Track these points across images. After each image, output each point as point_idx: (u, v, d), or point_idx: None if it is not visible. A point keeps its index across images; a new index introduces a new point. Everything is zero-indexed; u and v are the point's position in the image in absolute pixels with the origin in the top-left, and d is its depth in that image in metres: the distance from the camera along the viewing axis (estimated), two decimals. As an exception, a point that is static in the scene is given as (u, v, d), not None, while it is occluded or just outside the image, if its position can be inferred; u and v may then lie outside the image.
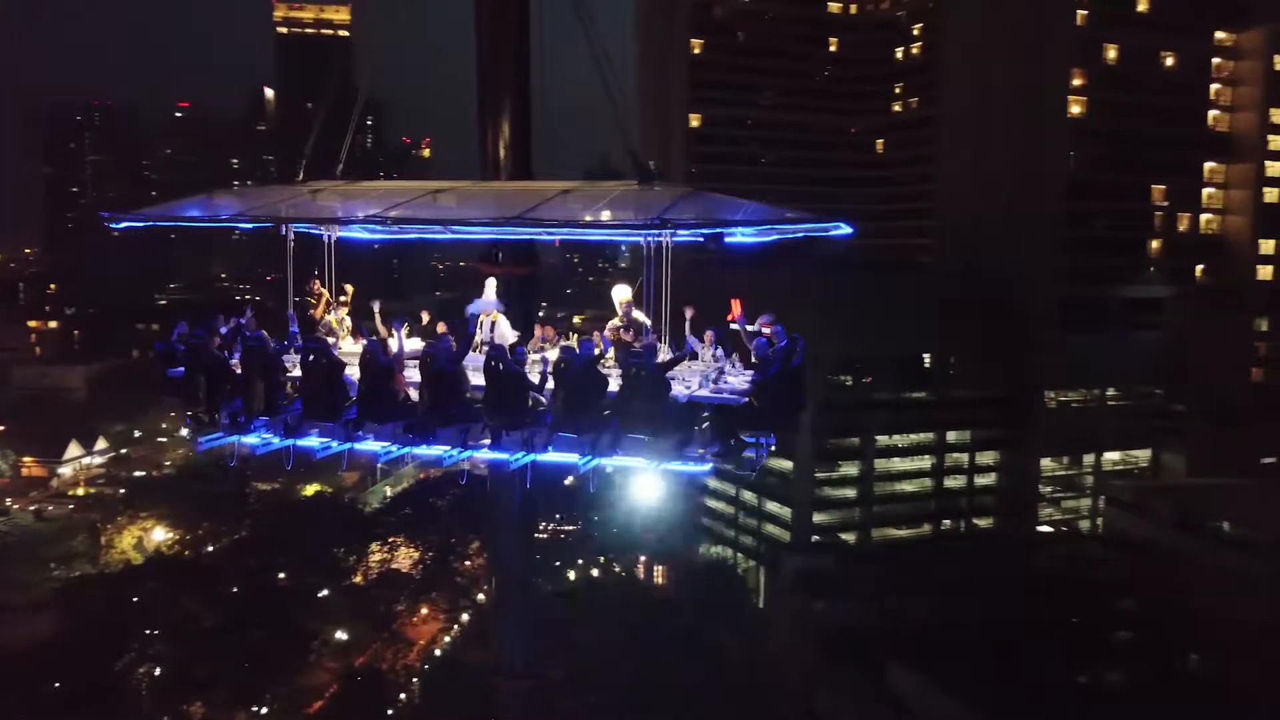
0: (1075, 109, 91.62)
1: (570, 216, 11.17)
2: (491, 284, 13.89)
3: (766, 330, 11.34)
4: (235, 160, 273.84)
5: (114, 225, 12.50)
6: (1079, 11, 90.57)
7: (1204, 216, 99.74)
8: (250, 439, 11.84)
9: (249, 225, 11.77)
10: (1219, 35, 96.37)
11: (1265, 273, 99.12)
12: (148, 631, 66.67)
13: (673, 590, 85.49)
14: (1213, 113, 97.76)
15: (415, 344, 12.56)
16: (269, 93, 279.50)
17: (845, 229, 10.95)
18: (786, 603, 75.82)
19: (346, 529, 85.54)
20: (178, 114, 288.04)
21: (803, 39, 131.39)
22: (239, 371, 11.76)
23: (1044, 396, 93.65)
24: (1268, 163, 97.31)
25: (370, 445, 11.63)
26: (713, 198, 11.43)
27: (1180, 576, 72.26)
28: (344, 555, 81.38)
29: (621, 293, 13.41)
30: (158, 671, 64.23)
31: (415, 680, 69.49)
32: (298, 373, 11.60)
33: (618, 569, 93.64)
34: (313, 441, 11.70)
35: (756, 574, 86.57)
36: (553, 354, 12.05)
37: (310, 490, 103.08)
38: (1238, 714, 56.46)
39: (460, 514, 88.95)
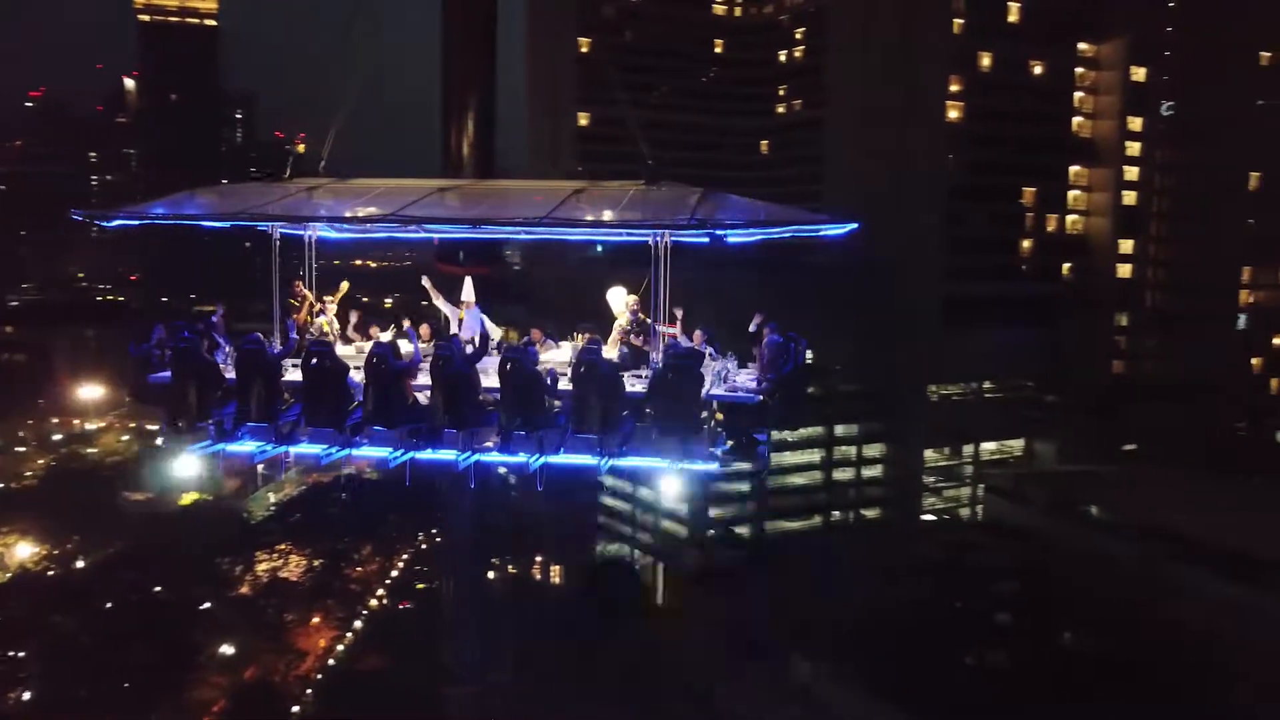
0: (953, 114, 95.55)
1: (600, 217, 11.10)
2: (469, 283, 13.58)
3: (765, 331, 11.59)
4: (94, 154, 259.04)
5: (106, 224, 11.79)
6: (955, 21, 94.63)
7: (1070, 218, 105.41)
8: (244, 446, 11.27)
9: (272, 224, 11.28)
10: (1082, 46, 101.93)
11: (1124, 271, 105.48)
12: (12, 654, 62.80)
13: (569, 590, 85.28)
14: (1077, 119, 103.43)
15: (404, 346, 12.28)
16: (129, 83, 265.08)
17: (852, 227, 11.29)
18: (686, 597, 76.72)
19: (230, 538, 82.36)
20: (28, 104, 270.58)
21: (689, 40, 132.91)
22: (230, 376, 11.23)
23: (926, 390, 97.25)
24: (1126, 167, 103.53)
25: (370, 451, 11.21)
26: (728, 197, 11.44)
27: (1054, 559, 76.35)
28: (228, 565, 78.33)
29: (618, 295, 13.27)
30: (27, 695, 60.49)
31: (310, 691, 67.34)
32: (292, 377, 11.17)
33: (512, 570, 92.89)
34: (313, 448, 11.25)
35: (654, 571, 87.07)
36: (560, 354, 11.94)
37: (188, 499, 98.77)
38: (1108, 685, 60.02)
39: (352, 519, 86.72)
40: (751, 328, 11.97)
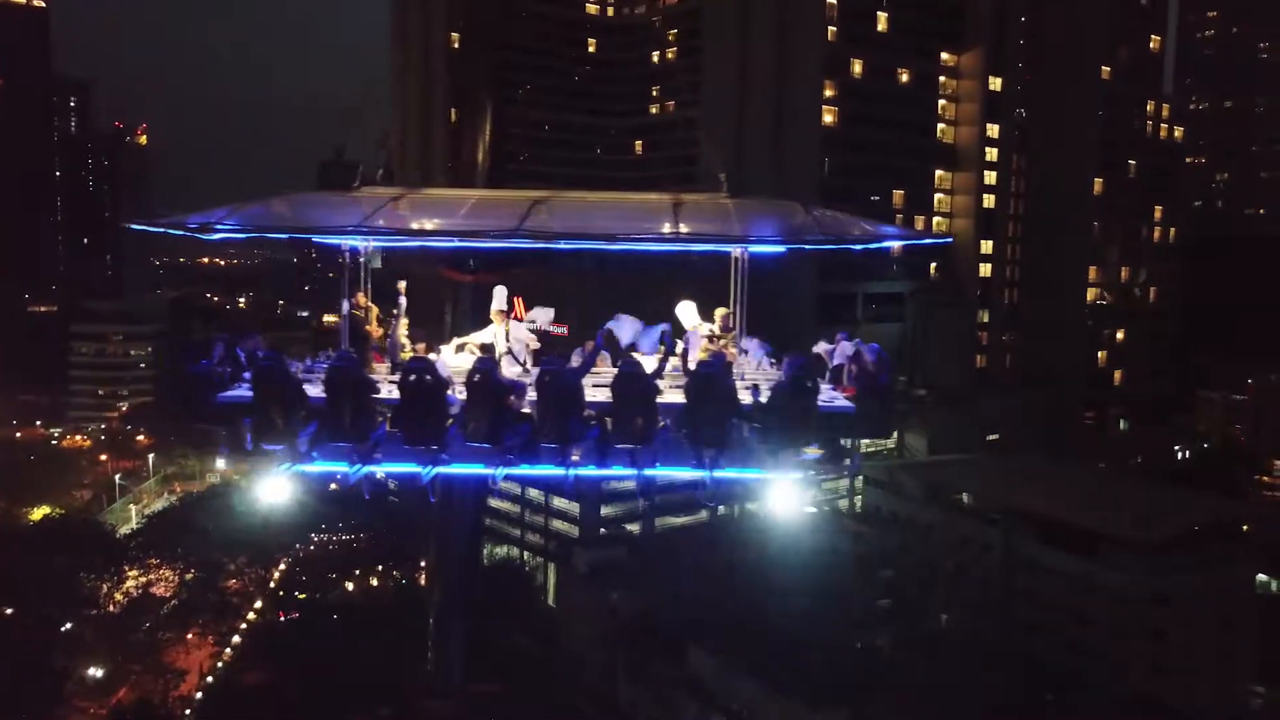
0: (827, 118, 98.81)
1: (727, 230, 11.71)
2: (502, 291, 13.26)
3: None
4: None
5: (207, 237, 10.93)
6: (829, 28, 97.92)
7: (935, 219, 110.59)
8: (323, 466, 10.79)
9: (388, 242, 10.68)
10: (944, 56, 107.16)
11: (985, 270, 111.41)
12: None
13: (459, 595, 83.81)
14: (940, 125, 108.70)
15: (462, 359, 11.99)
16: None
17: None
18: (581, 597, 76.53)
19: (90, 553, 77.37)
20: None
21: (561, 39, 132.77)
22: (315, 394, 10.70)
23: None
24: (986, 172, 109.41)
25: (457, 469, 10.90)
26: (817, 210, 11.84)
27: (928, 545, 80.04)
28: (92, 582, 73.62)
29: (689, 309, 13.40)
30: None
31: (189, 711, 64.10)
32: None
33: (397, 574, 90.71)
34: (398, 467, 10.87)
35: (545, 571, 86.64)
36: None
37: (38, 513, 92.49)
38: (981, 663, 63.37)
39: (225, 531, 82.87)
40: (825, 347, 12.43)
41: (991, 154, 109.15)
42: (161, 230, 11.42)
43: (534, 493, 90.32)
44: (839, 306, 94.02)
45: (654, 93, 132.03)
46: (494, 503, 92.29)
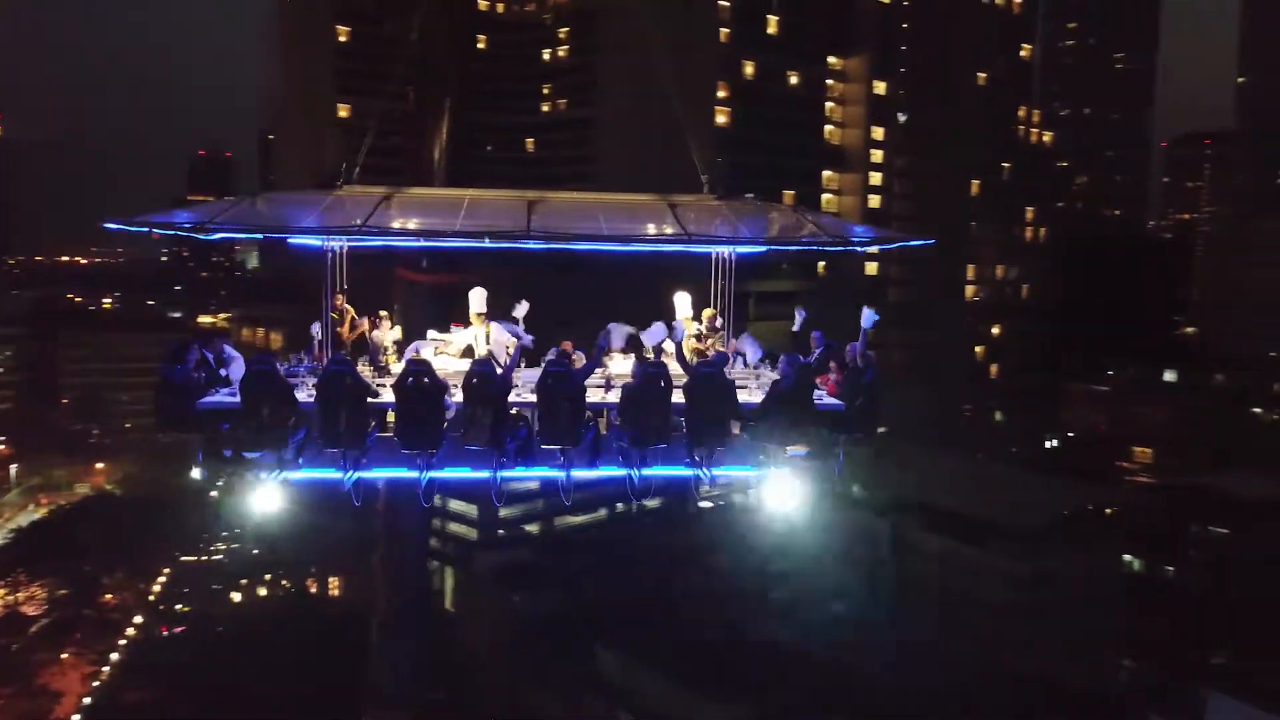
0: (721, 119, 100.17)
1: (735, 233, 11.64)
2: (480, 293, 12.94)
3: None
4: None
5: (207, 237, 10.18)
6: (722, 30, 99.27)
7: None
8: (312, 473, 10.34)
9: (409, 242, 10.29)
10: (831, 60, 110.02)
11: (871, 268, 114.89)
12: None
13: (355, 603, 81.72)
14: (829, 127, 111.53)
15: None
16: None
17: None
18: (481, 600, 75.65)
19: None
20: None
21: (449, 34, 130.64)
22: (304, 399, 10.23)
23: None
24: (871, 173, 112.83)
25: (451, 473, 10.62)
26: (812, 214, 11.89)
27: (824, 535, 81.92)
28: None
29: (685, 300, 13.28)
30: None
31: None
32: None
33: (286, 584, 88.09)
34: (392, 472, 10.64)
35: (443, 574, 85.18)
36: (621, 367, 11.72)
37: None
38: (874, 650, 65.50)
39: (101, 544, 78.98)
40: (796, 328, 12.49)
41: (877, 156, 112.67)
42: (146, 230, 10.73)
43: (435, 498, 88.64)
44: (733, 304, 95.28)
45: (545, 91, 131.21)
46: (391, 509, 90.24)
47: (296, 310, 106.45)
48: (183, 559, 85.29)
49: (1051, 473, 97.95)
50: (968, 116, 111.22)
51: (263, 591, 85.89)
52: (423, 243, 11.03)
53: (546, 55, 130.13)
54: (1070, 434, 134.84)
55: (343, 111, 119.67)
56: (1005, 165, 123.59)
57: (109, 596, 77.87)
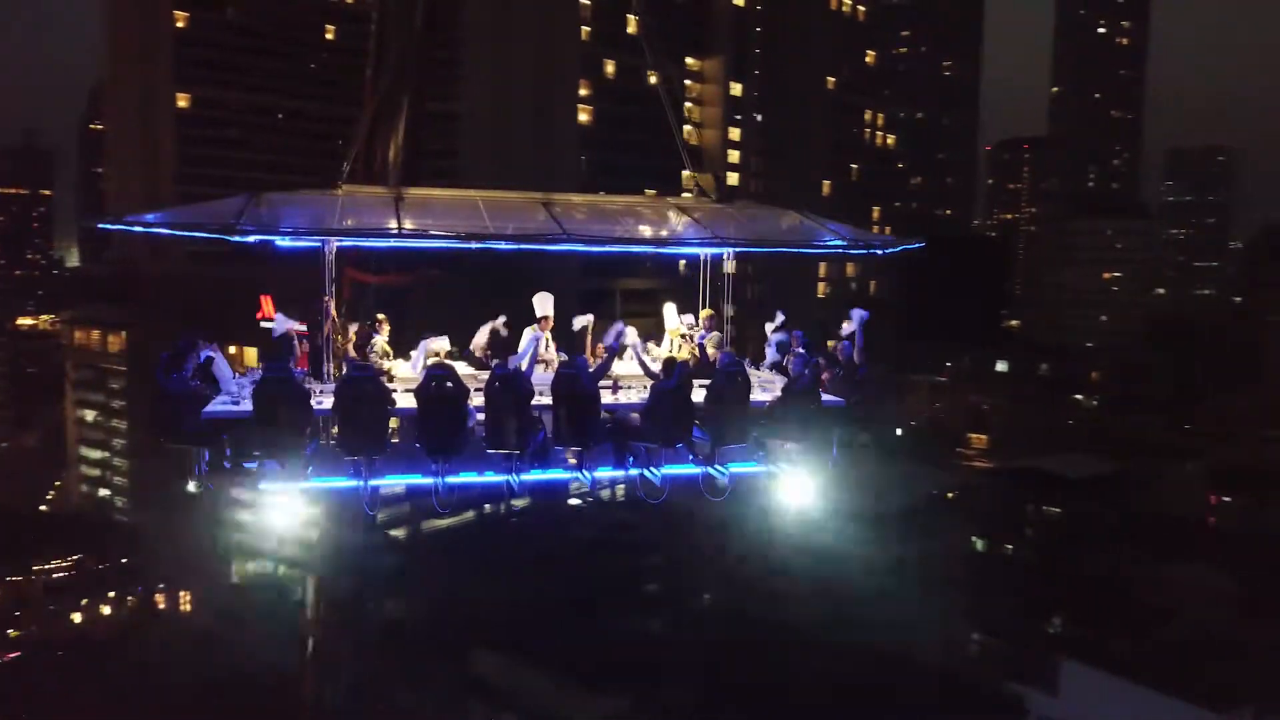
0: (583, 117, 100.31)
1: (751, 235, 12.47)
2: (546, 299, 12.69)
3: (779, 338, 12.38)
4: None
5: (241, 239, 9.34)
6: (583, 28, 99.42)
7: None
8: (325, 481, 9.86)
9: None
10: (689, 61, 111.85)
11: (730, 266, 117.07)
12: None
13: (210, 620, 77.85)
14: (687, 127, 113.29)
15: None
16: None
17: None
18: (349, 607, 73.31)
19: None
20: None
21: (296, 24, 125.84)
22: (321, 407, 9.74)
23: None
24: (729, 173, 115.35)
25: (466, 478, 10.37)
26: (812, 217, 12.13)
27: (691, 527, 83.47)
28: None
29: (674, 310, 13.30)
30: None
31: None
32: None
33: (132, 600, 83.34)
34: (407, 479, 10.41)
35: (304, 585, 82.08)
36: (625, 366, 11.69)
37: None
38: (743, 639, 67.27)
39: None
40: (771, 328, 12.75)
41: (734, 156, 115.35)
42: (157, 231, 10.01)
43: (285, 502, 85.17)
44: (599, 301, 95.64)
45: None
46: (245, 515, 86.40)
47: (136, 312, 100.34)
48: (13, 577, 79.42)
49: (900, 461, 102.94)
50: (818, 118, 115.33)
51: (105, 610, 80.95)
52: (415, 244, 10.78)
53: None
54: (913, 423, 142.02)
55: (182, 102, 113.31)
56: (853, 166, 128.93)
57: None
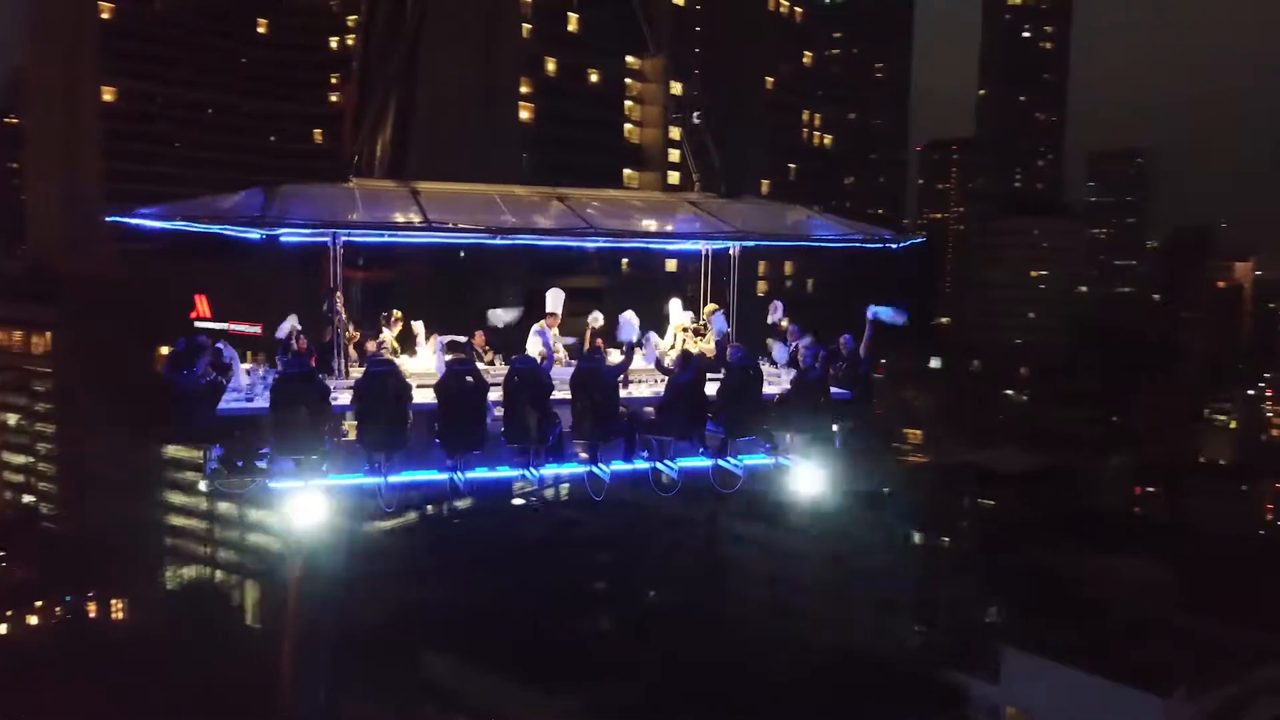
0: (525, 115, 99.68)
1: (771, 229, 12.51)
2: (558, 295, 12.62)
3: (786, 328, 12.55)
4: None
5: (270, 231, 9.02)
6: (524, 25, 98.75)
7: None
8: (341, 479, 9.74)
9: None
10: (630, 59, 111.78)
11: (671, 265, 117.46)
12: None
13: (151, 624, 75.89)
14: (628, 126, 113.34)
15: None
16: None
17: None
18: (291, 614, 71.98)
19: None
20: None
21: (226, 17, 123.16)
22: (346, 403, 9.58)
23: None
24: (669, 172, 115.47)
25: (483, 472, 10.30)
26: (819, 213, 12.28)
27: (638, 524, 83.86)
28: None
29: (679, 305, 13.33)
30: None
31: None
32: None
33: (60, 610, 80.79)
34: (424, 475, 10.25)
35: (243, 589, 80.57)
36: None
37: None
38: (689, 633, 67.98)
39: None
40: (770, 320, 12.89)
41: (674, 155, 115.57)
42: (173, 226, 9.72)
43: (225, 506, 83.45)
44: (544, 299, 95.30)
45: (333, 80, 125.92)
46: (179, 520, 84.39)
47: (57, 312, 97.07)
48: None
49: (838, 457, 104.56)
50: (757, 118, 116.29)
51: (33, 620, 78.41)
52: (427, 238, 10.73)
53: (334, 43, 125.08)
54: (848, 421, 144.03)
55: (108, 95, 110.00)
56: (792, 166, 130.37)
57: None
